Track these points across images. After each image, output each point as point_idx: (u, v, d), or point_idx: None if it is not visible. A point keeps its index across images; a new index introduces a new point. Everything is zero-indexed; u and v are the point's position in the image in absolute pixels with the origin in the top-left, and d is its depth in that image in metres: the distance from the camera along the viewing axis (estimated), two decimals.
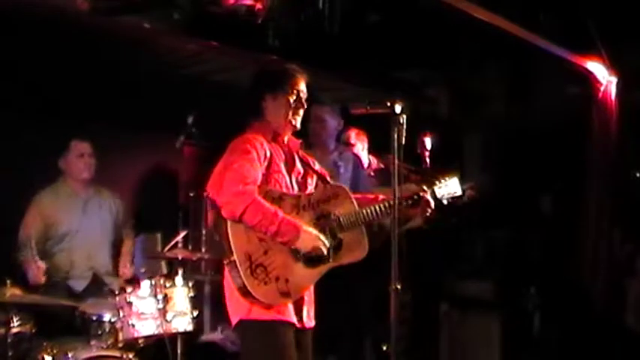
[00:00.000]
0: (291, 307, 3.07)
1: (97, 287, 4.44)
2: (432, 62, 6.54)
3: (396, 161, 2.95)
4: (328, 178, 3.36)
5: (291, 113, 3.18)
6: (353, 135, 5.08)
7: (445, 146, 4.97)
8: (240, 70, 5.55)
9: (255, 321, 3.01)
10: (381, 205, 3.19)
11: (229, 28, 5.09)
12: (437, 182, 3.40)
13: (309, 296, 3.19)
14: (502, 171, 6.78)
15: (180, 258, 4.29)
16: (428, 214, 3.35)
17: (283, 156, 3.21)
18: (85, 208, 4.58)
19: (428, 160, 4.88)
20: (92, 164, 4.59)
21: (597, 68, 6.31)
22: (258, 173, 3.02)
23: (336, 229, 3.11)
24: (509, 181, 6.66)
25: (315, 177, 3.33)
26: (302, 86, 3.22)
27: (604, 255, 6.37)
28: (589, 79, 6.41)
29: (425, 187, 3.35)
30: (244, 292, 2.93)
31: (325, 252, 3.02)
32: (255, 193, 2.94)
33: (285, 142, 3.25)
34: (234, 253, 2.91)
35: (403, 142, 2.98)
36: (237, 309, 3.06)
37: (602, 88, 6.40)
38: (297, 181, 3.25)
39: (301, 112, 3.23)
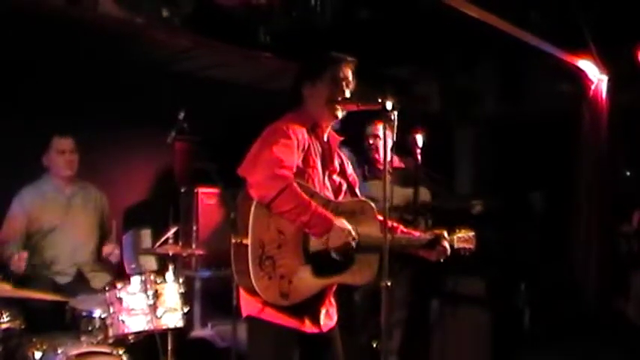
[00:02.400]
0: (306, 312, 2.92)
1: (80, 283, 4.41)
2: (423, 59, 6.54)
3: (387, 157, 2.94)
4: (357, 189, 3.22)
5: (330, 101, 3.02)
6: (380, 127, 4.99)
7: (436, 143, 4.96)
8: (231, 66, 5.55)
9: (264, 322, 2.87)
10: (403, 240, 3.14)
11: (220, 24, 5.09)
12: (457, 232, 3.35)
13: (328, 297, 3.04)
14: (493, 168, 6.81)
15: (170, 254, 4.26)
16: (441, 260, 3.27)
17: (321, 150, 3.07)
18: (69, 204, 4.53)
19: (419, 157, 4.88)
20: (74, 161, 4.51)
21: (588, 66, 6.33)
22: (295, 160, 2.87)
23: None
24: (500, 177, 6.69)
25: (345, 183, 3.17)
26: (344, 73, 3.06)
27: (595, 251, 6.40)
28: (580, 77, 6.44)
29: (445, 235, 3.27)
30: (249, 288, 2.80)
31: (354, 246, 2.86)
32: (291, 178, 2.79)
33: (326, 138, 3.10)
34: (250, 237, 2.76)
35: (394, 138, 2.95)
36: (249, 302, 2.91)
37: (592, 87, 6.43)
38: (330, 180, 3.09)
39: (344, 96, 3.04)
